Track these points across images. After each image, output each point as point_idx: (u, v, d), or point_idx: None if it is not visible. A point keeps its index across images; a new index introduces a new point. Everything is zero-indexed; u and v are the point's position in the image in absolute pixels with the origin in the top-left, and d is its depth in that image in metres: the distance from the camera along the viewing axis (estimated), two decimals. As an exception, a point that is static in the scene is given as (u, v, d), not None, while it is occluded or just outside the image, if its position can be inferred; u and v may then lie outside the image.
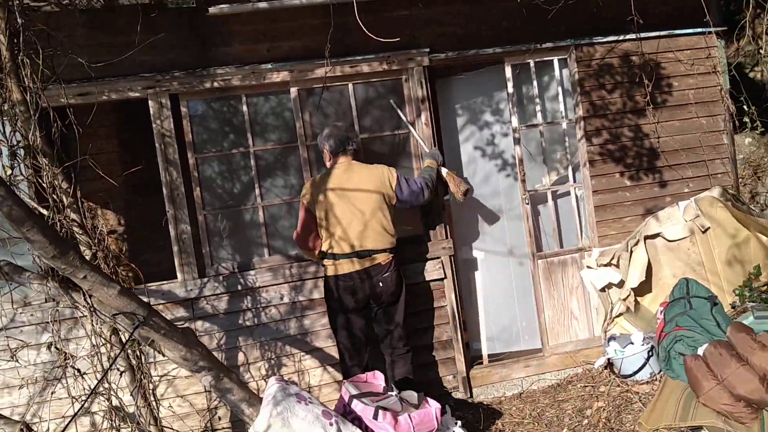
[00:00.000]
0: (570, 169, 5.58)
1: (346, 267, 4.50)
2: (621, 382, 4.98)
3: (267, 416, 3.58)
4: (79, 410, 3.12)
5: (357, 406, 4.00)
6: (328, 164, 4.69)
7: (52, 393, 4.40)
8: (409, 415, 3.98)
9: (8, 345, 4.39)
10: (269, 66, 4.87)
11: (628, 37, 5.35)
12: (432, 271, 5.17)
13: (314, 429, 3.61)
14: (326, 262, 4.57)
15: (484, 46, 5.21)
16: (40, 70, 3.57)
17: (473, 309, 5.66)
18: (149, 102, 4.78)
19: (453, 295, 5.23)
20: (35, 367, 4.55)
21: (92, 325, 3.43)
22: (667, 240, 5.23)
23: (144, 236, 6.53)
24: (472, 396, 5.34)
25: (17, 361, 4.17)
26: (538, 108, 5.48)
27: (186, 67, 4.79)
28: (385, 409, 3.95)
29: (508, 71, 5.38)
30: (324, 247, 4.57)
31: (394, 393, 4.15)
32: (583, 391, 5.10)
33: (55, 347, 3.73)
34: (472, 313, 5.66)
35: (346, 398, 4.09)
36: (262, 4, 4.54)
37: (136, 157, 5.28)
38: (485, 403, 5.27)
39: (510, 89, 5.39)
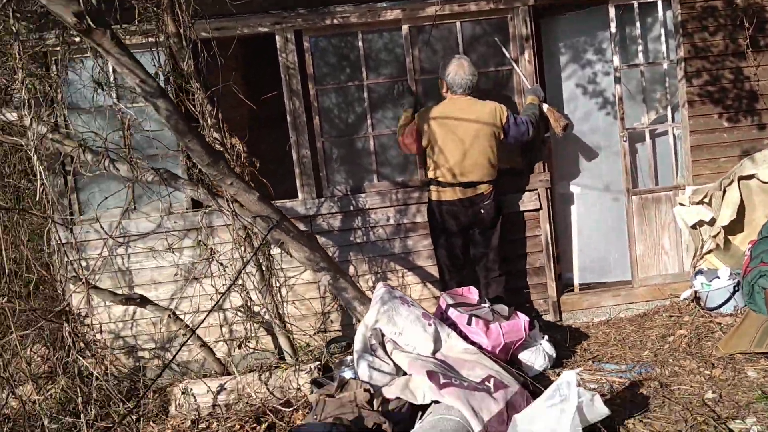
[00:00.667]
0: (669, 108, 5.74)
1: (450, 194, 4.94)
2: (705, 313, 5.24)
3: (375, 312, 4.13)
4: (221, 298, 3.74)
5: (453, 313, 4.50)
6: (444, 95, 5.08)
7: (194, 286, 5.12)
8: (499, 324, 4.44)
9: (152, 247, 5.13)
10: (384, 4, 5.28)
11: (734, -21, 5.40)
12: (528, 202, 5.54)
13: (415, 327, 4.14)
14: (432, 188, 5.02)
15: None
16: (191, 5, 4.12)
17: (567, 240, 5.99)
18: (276, 37, 5.31)
19: (547, 225, 5.59)
20: (177, 268, 5.29)
21: (233, 228, 4.03)
22: (762, 182, 5.36)
23: (263, 165, 7.20)
24: (561, 320, 5.73)
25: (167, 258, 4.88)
26: (639, 48, 5.65)
27: (309, 5, 5.26)
28: (477, 317, 4.42)
29: (612, 12, 5.56)
30: (431, 174, 5.01)
31: (486, 305, 4.61)
32: (668, 320, 5.39)
33: (203, 243, 4.38)
34: (566, 244, 5.99)
35: (444, 306, 4.59)
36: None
37: (258, 92, 5.84)
38: (573, 326, 5.65)
39: (613, 29, 5.58)
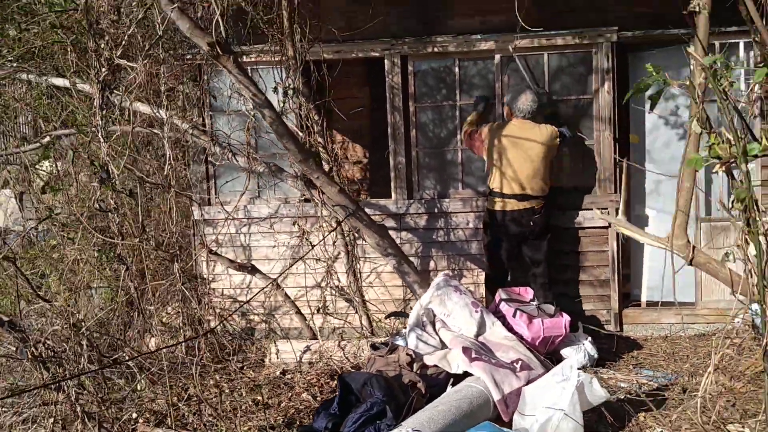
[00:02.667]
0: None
1: (510, 205, 5.62)
2: (757, 336, 5.54)
3: (430, 295, 4.93)
4: (296, 261, 4.68)
5: (503, 306, 5.20)
6: (507, 118, 5.79)
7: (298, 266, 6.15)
8: (542, 320, 5.08)
9: (273, 228, 6.22)
10: (478, 36, 6.06)
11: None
12: (597, 219, 6.08)
13: (463, 311, 4.89)
14: (495, 198, 5.70)
15: (670, 27, 5.87)
16: (306, 35, 5.14)
17: (638, 259, 6.44)
18: (385, 60, 6.24)
19: (615, 242, 6.10)
20: (286, 248, 6.35)
21: (320, 212, 4.99)
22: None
23: (379, 168, 8.17)
24: (621, 330, 6.21)
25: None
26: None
27: (414, 35, 6.15)
28: (523, 311, 5.09)
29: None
30: (493, 185, 5.71)
31: (534, 303, 5.26)
32: (721, 341, 5.73)
33: (297, 224, 5.40)
34: (638, 262, 6.44)
35: (497, 300, 5.30)
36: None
37: (380, 104, 6.76)
38: (631, 337, 6.12)
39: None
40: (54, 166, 7.32)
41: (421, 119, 6.37)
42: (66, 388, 3.28)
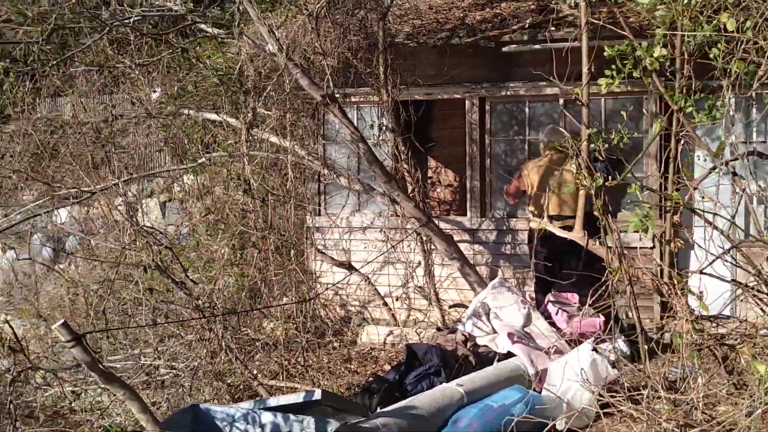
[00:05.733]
0: (778, 178, 6.92)
1: (547, 225, 6.70)
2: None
3: (486, 292, 6.16)
4: (378, 255, 6.04)
5: (549, 306, 6.35)
6: (542, 152, 6.91)
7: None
8: (579, 319, 6.19)
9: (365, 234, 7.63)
10: (544, 83, 7.25)
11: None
12: (643, 239, 7.08)
13: (513, 306, 6.09)
14: (535, 219, 6.80)
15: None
16: (397, 84, 6.55)
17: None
18: (465, 102, 7.55)
19: (658, 259, 7.08)
20: (377, 252, 7.74)
21: (401, 224, 6.34)
22: None
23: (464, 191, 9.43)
24: (662, 338, 7.15)
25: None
26: (754, 129, 6.93)
27: (490, 81, 7.43)
28: (564, 311, 6.23)
29: (732, 100, 6.94)
30: (532, 208, 6.79)
31: (576, 305, 6.37)
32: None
33: (385, 233, 6.78)
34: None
35: (546, 302, 6.45)
36: (536, 46, 6.93)
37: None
38: (666, 343, 7.05)
39: (731, 111, 6.95)
40: (196, 180, 9.08)
41: (495, 150, 7.61)
42: (215, 328, 4.77)
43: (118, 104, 6.82)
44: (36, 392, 5.78)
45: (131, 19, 5.36)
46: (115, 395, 5.69)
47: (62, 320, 3.26)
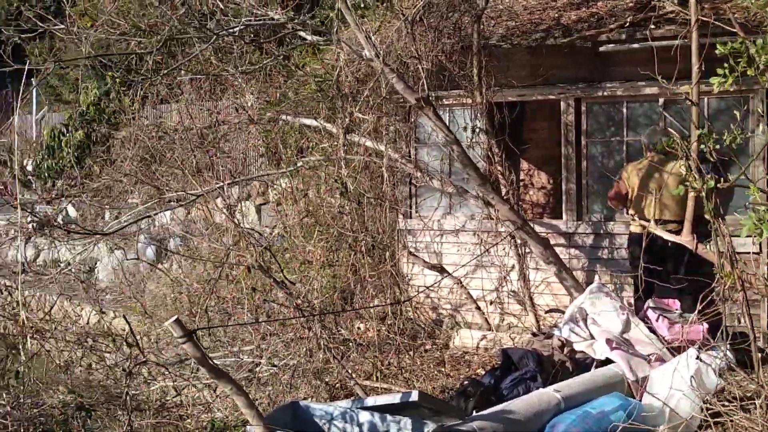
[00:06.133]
0: None
1: (650, 228, 6.49)
2: None
3: (584, 297, 6.04)
4: (471, 260, 6.03)
5: (649, 312, 6.16)
6: (645, 155, 6.68)
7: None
8: (682, 326, 5.97)
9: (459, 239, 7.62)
10: (643, 83, 7.05)
11: None
12: (747, 244, 6.76)
13: (611, 313, 5.94)
14: (636, 222, 6.59)
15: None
16: (492, 85, 6.52)
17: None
18: (561, 103, 7.43)
19: (765, 266, 6.76)
20: (470, 255, 7.71)
21: (496, 227, 6.31)
22: None
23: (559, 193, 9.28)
24: (769, 345, 6.82)
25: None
26: None
27: (585, 81, 7.28)
28: (665, 317, 6.02)
29: None
30: (633, 212, 6.58)
31: (678, 312, 6.15)
32: None
33: (479, 235, 6.75)
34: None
35: (645, 308, 6.26)
36: (635, 45, 6.74)
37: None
38: (781, 354, 6.71)
39: None
40: (291, 183, 9.31)
41: (591, 152, 7.45)
42: (313, 327, 4.89)
43: (222, 110, 7.09)
44: (143, 386, 6.08)
45: (236, 29, 5.57)
46: (215, 391, 5.93)
47: (175, 317, 3.43)
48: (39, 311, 6.92)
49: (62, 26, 5.24)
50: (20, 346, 4.01)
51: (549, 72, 7.19)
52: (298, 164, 6.71)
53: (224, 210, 5.84)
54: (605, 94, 7.24)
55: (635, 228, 6.60)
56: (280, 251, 8.94)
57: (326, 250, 7.31)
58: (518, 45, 7.08)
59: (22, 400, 3.58)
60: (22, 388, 3.73)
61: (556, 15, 7.71)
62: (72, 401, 3.90)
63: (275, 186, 10.26)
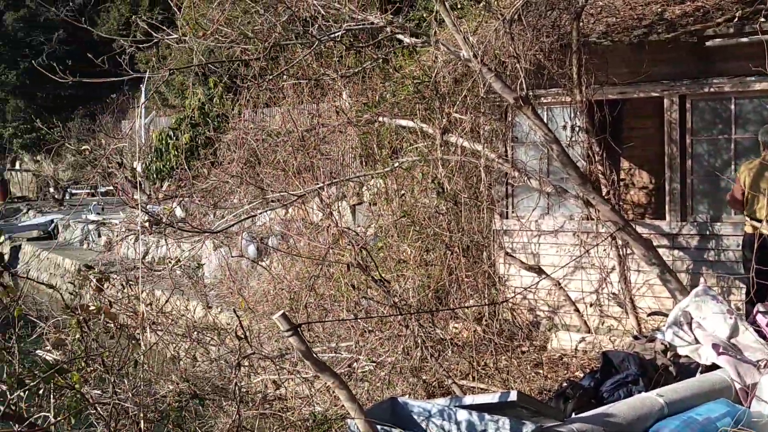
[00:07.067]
0: None
1: (762, 228, 6.20)
2: None
3: (689, 300, 5.84)
4: (571, 261, 5.93)
5: (759, 317, 5.89)
6: (762, 153, 6.37)
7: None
8: (795, 331, 5.69)
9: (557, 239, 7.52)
10: (753, 78, 6.75)
11: None
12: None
13: (717, 317, 5.72)
14: (750, 222, 6.30)
15: None
16: (591, 83, 6.40)
17: None
18: (664, 100, 7.21)
19: None
20: (569, 256, 7.59)
21: (596, 228, 6.18)
22: None
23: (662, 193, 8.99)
24: None
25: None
26: None
27: (691, 78, 7.04)
28: (778, 322, 5.75)
29: None
30: (747, 212, 6.30)
31: (792, 316, 5.86)
32: None
33: (578, 236, 6.64)
34: None
35: (755, 312, 5.99)
36: (743, 39, 6.46)
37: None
38: None
39: None
40: (385, 184, 9.43)
41: (696, 150, 7.19)
42: (411, 325, 4.97)
43: (322, 113, 7.28)
44: (246, 379, 6.33)
45: (338, 34, 5.72)
46: (312, 385, 6.10)
47: (281, 311, 3.56)
48: (149, 305, 7.33)
49: (175, 36, 5.55)
50: (139, 337, 4.28)
51: (651, 69, 6.99)
52: (395, 164, 6.79)
53: (324, 209, 6.00)
54: (711, 90, 6.98)
55: (748, 228, 6.34)
56: (373, 250, 9.10)
57: (421, 250, 7.38)
58: (619, 41, 6.91)
59: (141, 388, 3.84)
60: (141, 376, 4.00)
61: (659, 10, 7.49)
62: (187, 390, 4.13)
63: (370, 187, 10.42)
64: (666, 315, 6.16)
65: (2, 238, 3.15)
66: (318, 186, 6.20)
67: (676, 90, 7.12)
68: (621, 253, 6.75)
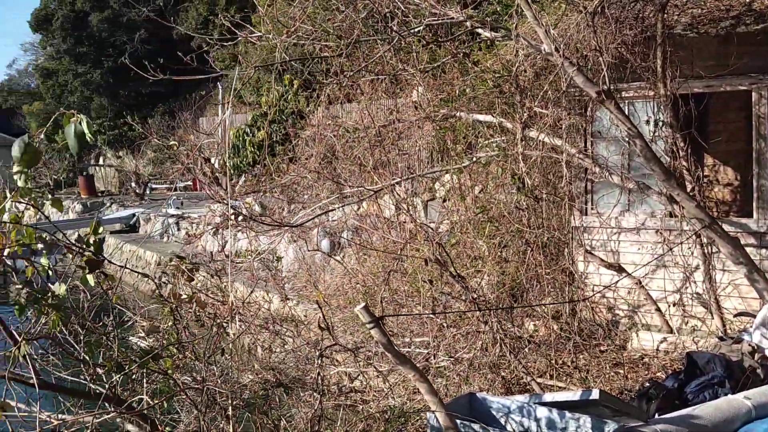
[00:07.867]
0: None
1: None
2: None
3: (776, 302, 5.63)
4: (654, 259, 5.78)
5: None
6: None
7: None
8: None
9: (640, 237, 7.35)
10: None
11: None
12: None
13: (810, 319, 5.49)
14: None
15: None
16: (676, 76, 6.22)
17: None
18: (752, 93, 6.94)
19: None
20: (650, 254, 7.40)
21: (680, 225, 6.01)
22: None
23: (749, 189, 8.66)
24: None
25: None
26: None
27: (782, 70, 6.76)
28: None
29: None
30: None
31: None
32: None
33: (661, 233, 6.46)
34: None
35: None
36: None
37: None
38: None
39: None
40: (458, 179, 9.39)
41: (787, 145, 6.90)
42: (490, 321, 4.95)
43: (399, 109, 7.32)
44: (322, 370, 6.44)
45: (418, 29, 5.75)
46: (386, 379, 6.16)
47: (363, 304, 3.62)
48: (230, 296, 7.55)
49: (258, 33, 5.68)
50: (228, 326, 4.42)
51: (739, 61, 6.74)
52: (474, 159, 6.76)
53: (400, 205, 6.03)
54: (805, 82, 6.68)
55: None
56: (447, 246, 9.08)
57: (497, 246, 7.32)
58: (706, 33, 6.69)
59: (228, 375, 3.96)
60: (229, 363, 4.13)
61: (748, 0, 7.21)
62: (272, 378, 4.25)
63: (444, 183, 10.40)
64: (753, 316, 5.96)
65: (101, 228, 3.29)
66: (396, 181, 6.23)
67: (765, 83, 6.84)
68: (706, 251, 6.54)
